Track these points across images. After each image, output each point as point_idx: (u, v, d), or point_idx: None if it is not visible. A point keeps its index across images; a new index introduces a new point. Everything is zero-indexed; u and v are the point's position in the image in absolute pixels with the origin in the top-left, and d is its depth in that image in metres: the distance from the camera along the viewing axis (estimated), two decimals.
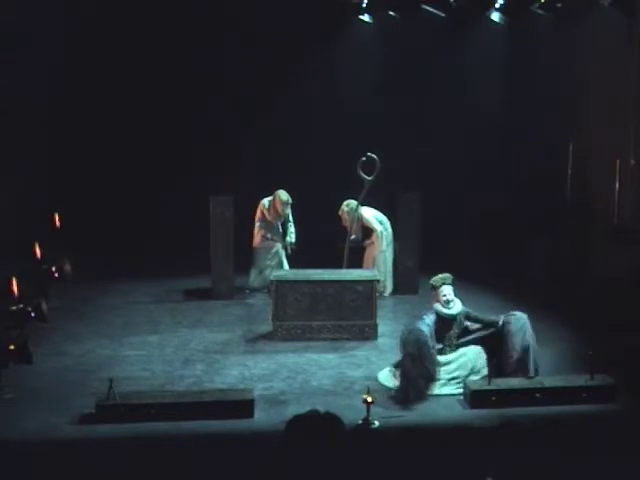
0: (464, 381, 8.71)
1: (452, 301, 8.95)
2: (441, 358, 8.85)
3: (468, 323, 9.12)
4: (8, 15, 12.00)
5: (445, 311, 8.94)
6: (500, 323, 8.87)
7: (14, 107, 12.33)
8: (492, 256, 13.45)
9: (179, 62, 14.09)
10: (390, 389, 8.81)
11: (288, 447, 5.26)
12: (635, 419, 8.07)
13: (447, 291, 8.97)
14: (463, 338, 9.01)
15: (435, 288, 9.02)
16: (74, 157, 13.90)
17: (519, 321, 8.86)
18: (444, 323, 8.94)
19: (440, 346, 8.89)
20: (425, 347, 8.57)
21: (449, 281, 9.03)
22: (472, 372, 8.83)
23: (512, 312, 9.03)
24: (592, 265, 12.43)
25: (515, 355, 8.74)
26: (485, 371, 8.77)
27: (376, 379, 9.09)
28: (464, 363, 8.86)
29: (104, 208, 13.93)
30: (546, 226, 13.56)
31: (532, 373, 8.71)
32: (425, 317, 8.89)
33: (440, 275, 9.08)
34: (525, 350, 8.75)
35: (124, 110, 13.97)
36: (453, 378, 8.80)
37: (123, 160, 14.06)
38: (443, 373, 8.79)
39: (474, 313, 9.13)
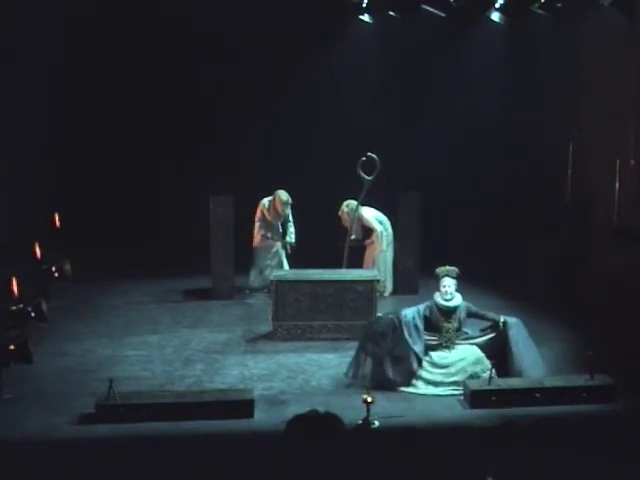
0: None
1: (451, 294, 8.99)
2: (439, 359, 8.87)
3: (468, 331, 9.14)
4: (8, 15, 12.01)
5: (442, 302, 8.99)
6: (502, 321, 8.90)
7: (14, 107, 12.33)
8: (492, 256, 13.45)
9: (179, 62, 14.08)
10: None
11: (288, 447, 5.26)
12: (635, 419, 8.06)
13: (447, 283, 9.00)
14: (463, 340, 9.01)
15: (437, 277, 9.08)
16: (74, 157, 13.90)
17: (519, 327, 8.92)
18: (441, 314, 8.98)
19: (435, 338, 8.94)
20: (393, 329, 8.75)
21: (453, 274, 9.06)
22: (471, 378, 8.75)
23: (509, 316, 9.06)
24: (592, 265, 12.42)
25: (523, 360, 8.83)
26: (485, 376, 8.68)
27: None
28: (463, 368, 8.82)
29: (104, 208, 13.93)
30: (546, 226, 13.56)
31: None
32: (420, 305, 9.03)
33: (446, 267, 9.12)
34: (531, 354, 8.90)
35: (124, 110, 13.97)
36: (453, 382, 8.76)
37: (123, 160, 14.06)
38: (442, 376, 8.78)
39: (475, 309, 9.17)
